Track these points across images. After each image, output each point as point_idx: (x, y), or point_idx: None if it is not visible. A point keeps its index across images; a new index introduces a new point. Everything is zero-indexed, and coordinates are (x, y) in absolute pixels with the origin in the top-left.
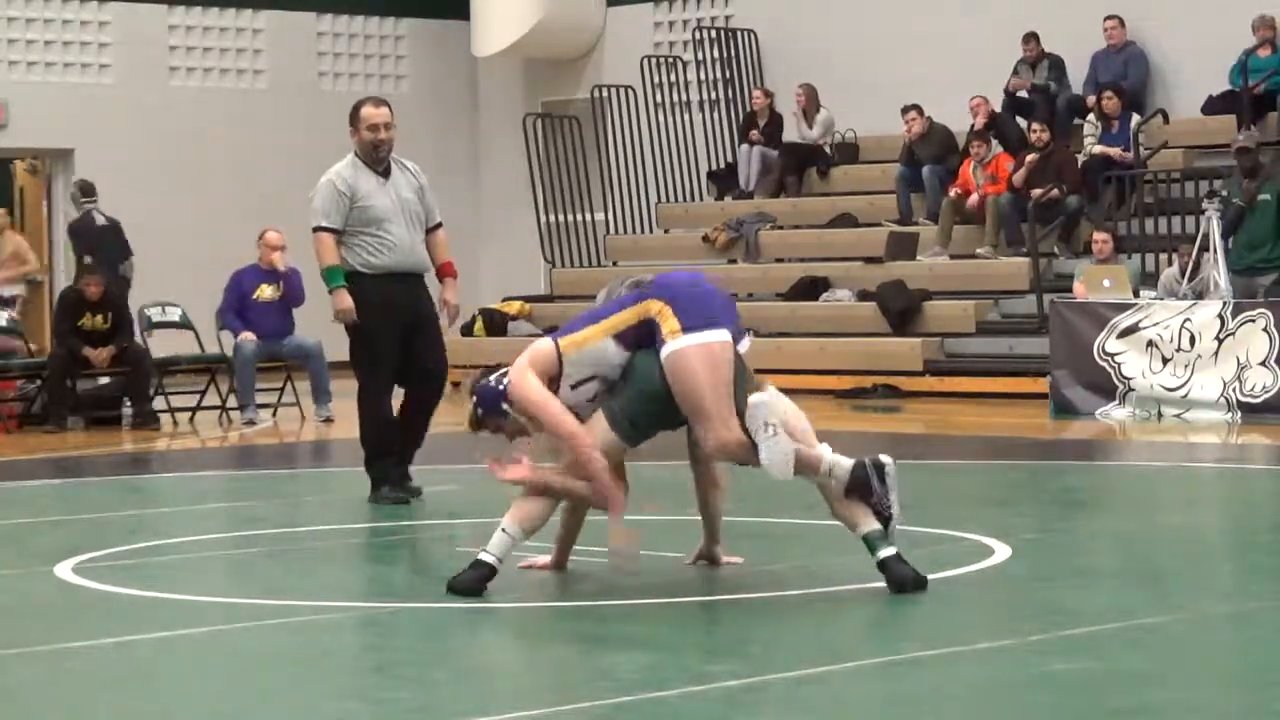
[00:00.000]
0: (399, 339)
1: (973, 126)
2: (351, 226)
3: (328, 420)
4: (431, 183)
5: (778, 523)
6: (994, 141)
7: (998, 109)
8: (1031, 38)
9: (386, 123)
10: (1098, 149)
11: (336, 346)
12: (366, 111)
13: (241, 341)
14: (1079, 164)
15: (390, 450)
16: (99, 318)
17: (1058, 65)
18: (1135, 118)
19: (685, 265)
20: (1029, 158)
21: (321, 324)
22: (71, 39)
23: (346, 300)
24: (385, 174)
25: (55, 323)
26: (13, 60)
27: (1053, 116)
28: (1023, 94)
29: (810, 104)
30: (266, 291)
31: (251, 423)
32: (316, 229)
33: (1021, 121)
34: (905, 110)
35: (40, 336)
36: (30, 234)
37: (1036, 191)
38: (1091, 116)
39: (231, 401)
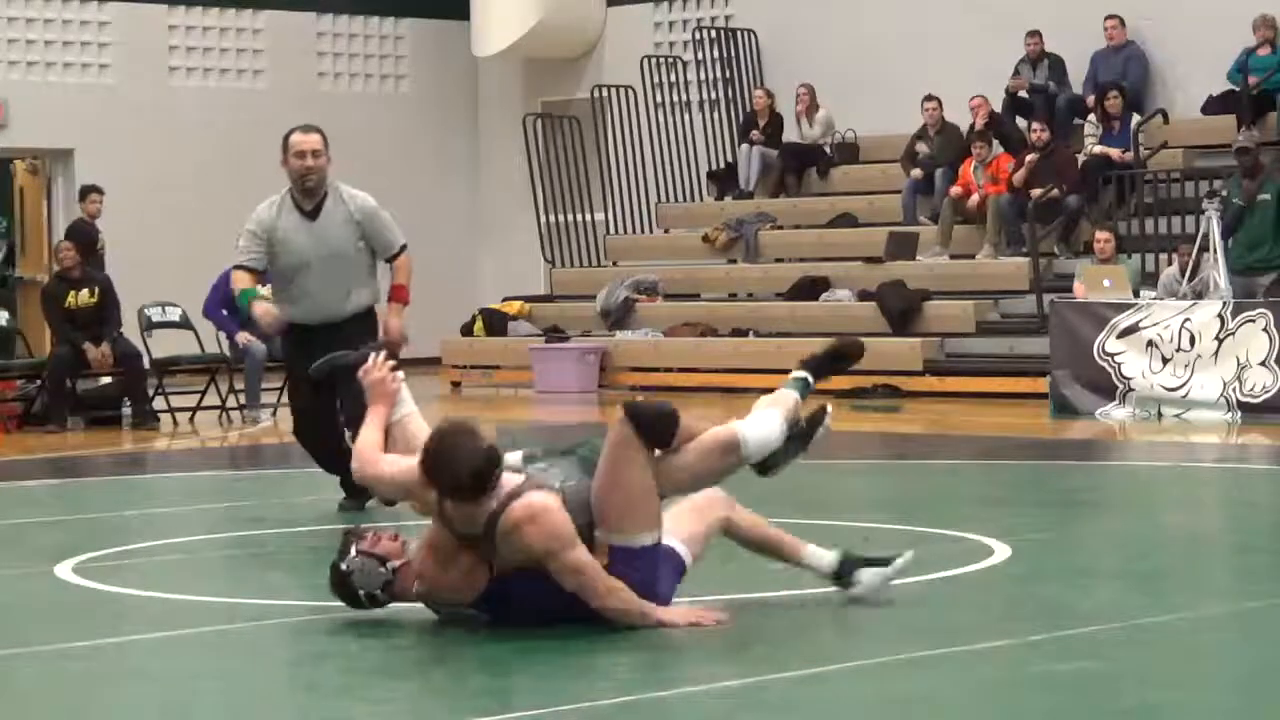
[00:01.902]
0: (314, 391)
1: (973, 126)
2: (273, 269)
3: None
4: (432, 184)
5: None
6: (995, 142)
7: (997, 109)
8: (1033, 36)
9: (315, 149)
10: (1098, 149)
11: None
12: (294, 138)
13: (250, 345)
14: (1079, 164)
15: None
16: (84, 292)
17: (1058, 65)
18: (1135, 117)
19: (685, 265)
20: (1029, 157)
21: None
22: (71, 39)
23: (263, 307)
24: (315, 212)
25: (48, 318)
26: (13, 60)
27: (1052, 116)
28: (1023, 94)
29: (810, 104)
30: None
31: (256, 422)
32: (235, 266)
33: (1021, 121)
34: (926, 99)
35: (39, 338)
36: (30, 235)
37: (1036, 191)
38: (1093, 117)
39: (231, 401)
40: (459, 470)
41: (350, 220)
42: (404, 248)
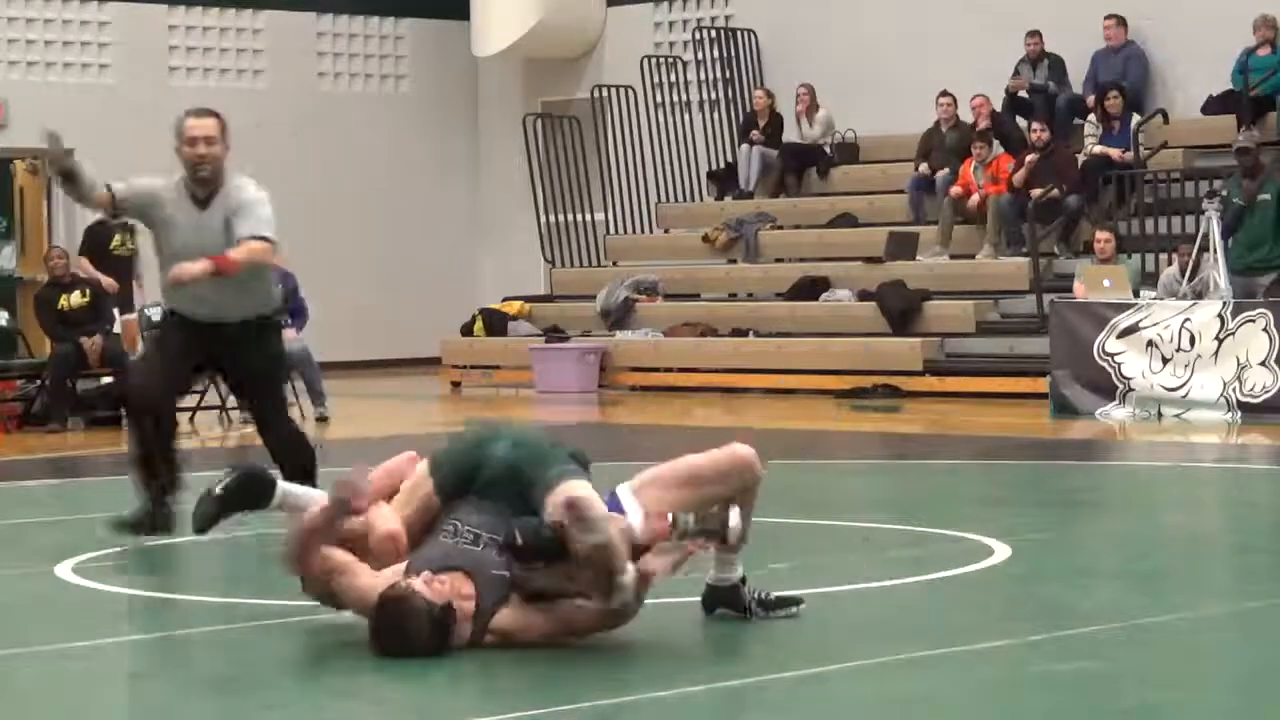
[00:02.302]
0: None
1: (974, 125)
2: (159, 256)
3: (321, 419)
4: (432, 184)
5: (778, 523)
6: (995, 142)
7: (997, 109)
8: (1033, 36)
9: (209, 136)
10: (1098, 149)
11: (327, 348)
12: (188, 123)
13: None
14: (1079, 164)
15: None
16: (75, 294)
17: (1058, 65)
18: (1135, 117)
19: (685, 265)
20: (1029, 157)
21: (312, 328)
22: (72, 39)
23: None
24: (206, 202)
25: (41, 323)
26: (13, 60)
27: (1052, 116)
28: (1023, 94)
29: (810, 104)
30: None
31: (246, 421)
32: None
33: (1021, 121)
34: (941, 95)
35: (39, 338)
36: (30, 235)
37: (1036, 192)
38: (1093, 117)
39: (231, 402)
40: (414, 650)
41: (233, 213)
42: (268, 240)
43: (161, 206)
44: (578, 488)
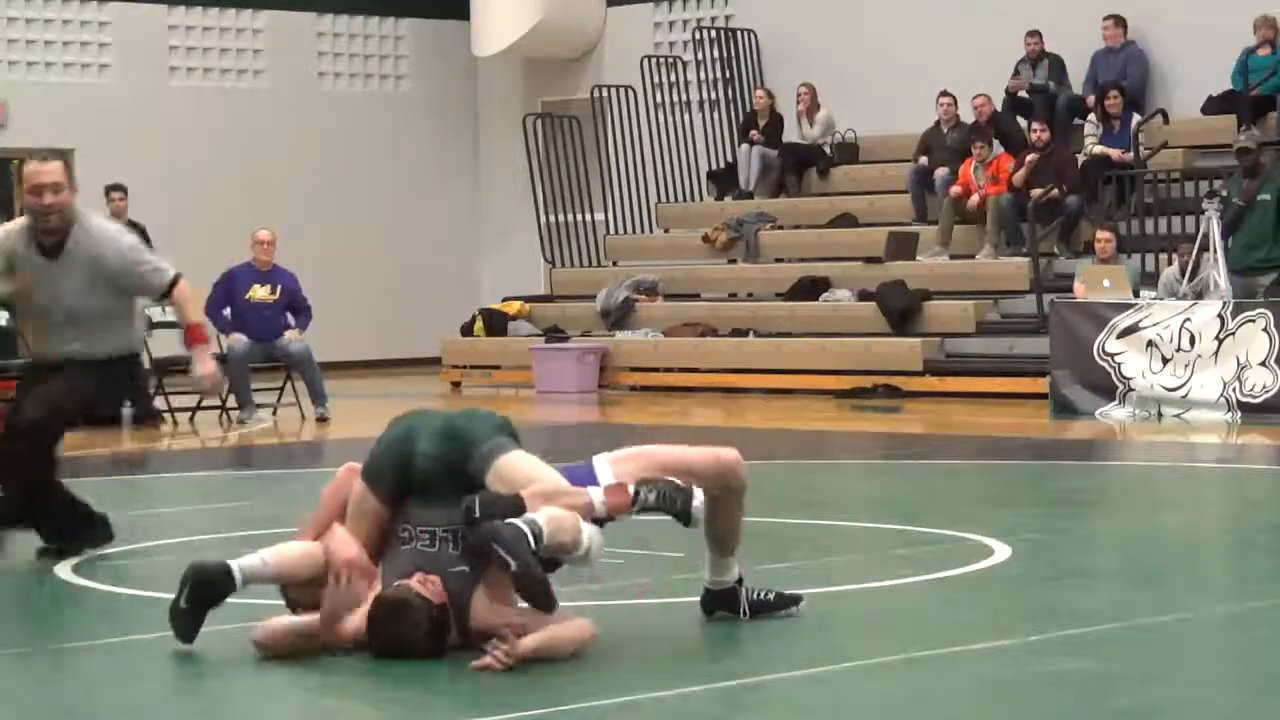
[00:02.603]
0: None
1: (975, 124)
2: (15, 301)
3: (322, 419)
4: (432, 184)
5: (777, 523)
6: (995, 142)
7: (998, 108)
8: (1033, 35)
9: (55, 183)
10: (1098, 149)
11: (327, 348)
12: (29, 169)
13: (232, 341)
14: (1079, 164)
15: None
16: None
17: (1058, 65)
18: (1135, 117)
19: (685, 265)
20: (1029, 157)
21: (312, 328)
22: (71, 39)
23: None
24: (55, 250)
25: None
26: (12, 60)
27: (1052, 116)
28: (1023, 94)
29: (811, 103)
30: (260, 292)
31: (243, 422)
32: None
33: (1021, 121)
34: (941, 95)
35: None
36: None
37: (1036, 191)
38: (1093, 117)
39: (231, 401)
40: (413, 651)
41: (93, 261)
42: (177, 278)
43: (15, 256)
44: (512, 460)
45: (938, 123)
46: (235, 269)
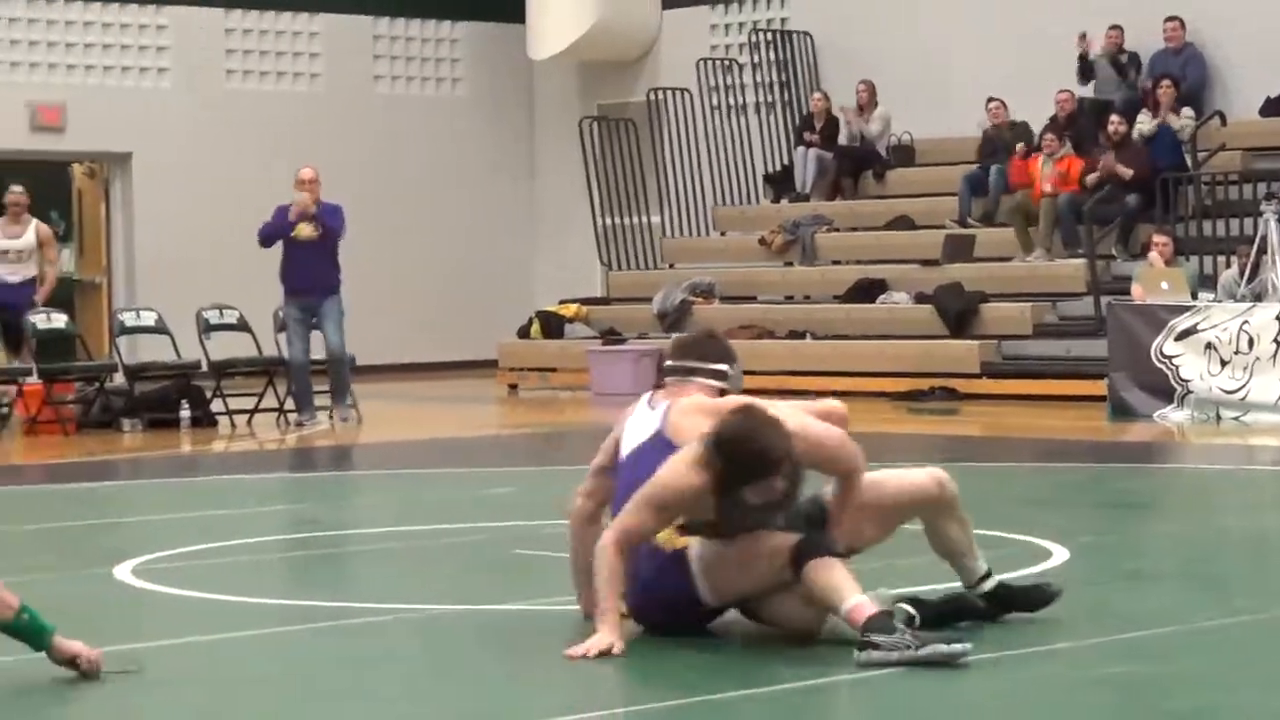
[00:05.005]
0: None
1: (1054, 118)
2: None
3: (345, 420)
4: (487, 187)
5: None
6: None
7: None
8: (1114, 30)
9: None
10: (1148, 128)
11: (384, 351)
12: None
13: (293, 354)
14: (1147, 159)
15: None
16: None
17: (1134, 61)
18: (1186, 111)
19: (741, 267)
20: (1104, 156)
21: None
22: (129, 43)
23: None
24: None
25: None
26: (71, 64)
27: (1133, 112)
28: (1102, 92)
29: (869, 100)
30: (305, 230)
31: (301, 425)
32: None
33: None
34: (989, 100)
35: (98, 341)
36: (88, 237)
37: (1092, 177)
38: (1145, 110)
39: (289, 404)
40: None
41: None
42: None
43: None
44: None
45: (995, 126)
46: (284, 206)
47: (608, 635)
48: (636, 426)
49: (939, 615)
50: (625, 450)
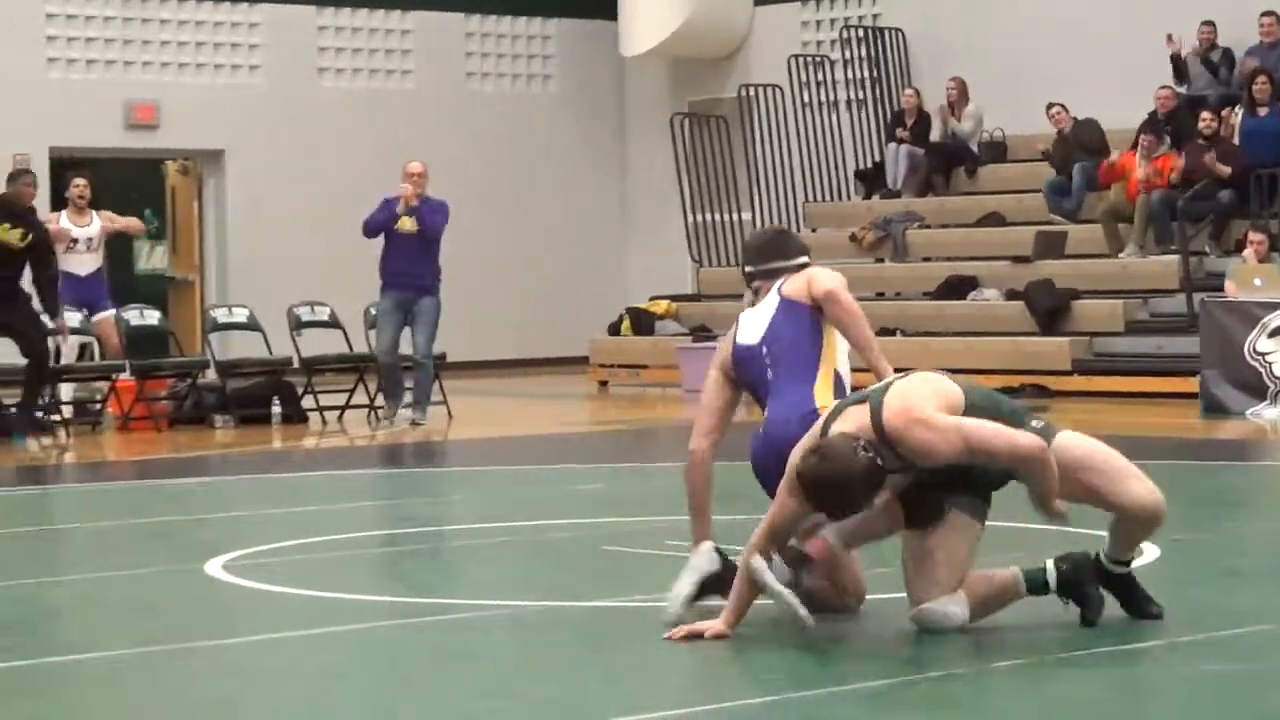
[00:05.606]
0: None
1: (1154, 114)
2: None
3: (413, 424)
4: (579, 184)
5: None
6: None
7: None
8: (1207, 25)
9: None
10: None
11: (475, 348)
12: None
13: (378, 345)
14: (1240, 155)
15: None
16: (17, 232)
17: (1228, 57)
18: None
19: (832, 264)
20: (1204, 152)
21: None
22: (222, 40)
23: None
24: None
25: None
26: (164, 62)
27: (1228, 108)
28: (1198, 90)
29: (960, 97)
30: (407, 223)
31: (390, 421)
32: None
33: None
34: (1050, 106)
35: (190, 337)
36: (181, 235)
37: (1182, 172)
38: (1239, 106)
39: (379, 400)
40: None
41: None
42: None
43: None
44: None
45: (1060, 132)
46: (392, 199)
47: (723, 626)
48: (751, 323)
49: (1076, 569)
50: (752, 340)
